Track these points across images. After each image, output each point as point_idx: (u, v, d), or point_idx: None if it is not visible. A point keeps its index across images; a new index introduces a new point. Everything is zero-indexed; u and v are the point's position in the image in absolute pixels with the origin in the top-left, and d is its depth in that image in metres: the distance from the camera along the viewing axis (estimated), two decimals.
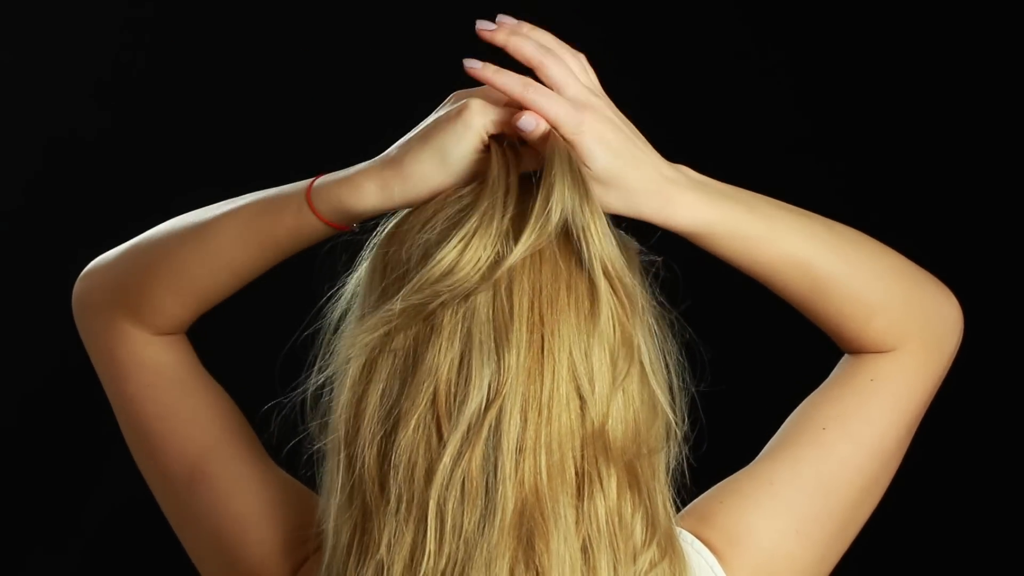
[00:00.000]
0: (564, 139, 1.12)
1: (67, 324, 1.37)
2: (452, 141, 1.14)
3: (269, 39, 2.53)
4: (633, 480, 1.12)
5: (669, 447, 1.14)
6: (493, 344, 1.10)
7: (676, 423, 1.15)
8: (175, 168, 2.50)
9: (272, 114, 2.51)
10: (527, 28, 1.15)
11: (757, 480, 1.22)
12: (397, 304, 1.10)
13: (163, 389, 1.28)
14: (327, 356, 1.17)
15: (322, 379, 1.16)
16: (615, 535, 1.11)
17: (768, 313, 1.55)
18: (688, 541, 1.20)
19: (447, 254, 1.10)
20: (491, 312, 1.10)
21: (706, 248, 1.20)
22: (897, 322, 1.25)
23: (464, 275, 1.09)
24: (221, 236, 1.23)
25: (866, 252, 1.25)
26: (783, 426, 1.26)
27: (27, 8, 2.49)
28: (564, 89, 1.14)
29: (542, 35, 1.15)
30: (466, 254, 1.10)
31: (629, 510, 1.11)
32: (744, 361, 1.33)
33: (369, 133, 1.28)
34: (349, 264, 1.20)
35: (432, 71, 2.38)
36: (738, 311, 1.97)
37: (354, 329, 1.14)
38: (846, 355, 1.28)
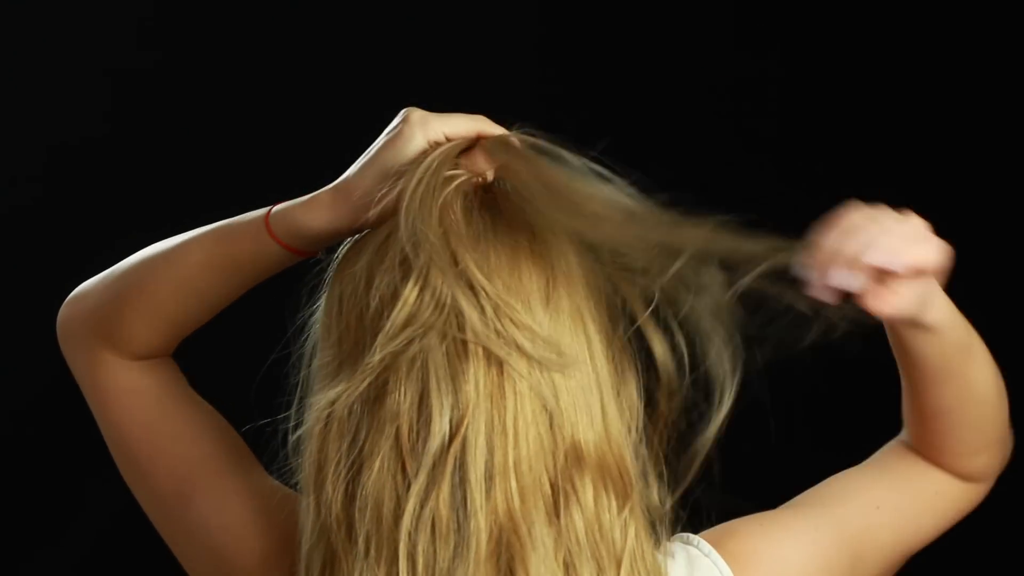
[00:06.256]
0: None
1: None
2: (392, 156, 1.13)
3: (270, 50, 2.52)
4: (610, 482, 1.11)
5: (648, 435, 1.14)
6: (450, 378, 1.08)
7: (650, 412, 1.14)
8: (181, 179, 2.49)
9: (278, 121, 2.50)
10: (833, 244, 1.08)
11: (802, 521, 1.23)
12: (375, 356, 1.09)
13: (145, 411, 1.27)
14: (303, 390, 1.17)
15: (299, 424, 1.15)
16: (596, 544, 1.10)
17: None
18: (706, 552, 1.20)
19: (407, 298, 1.09)
20: (445, 345, 1.09)
21: (915, 342, 1.20)
22: (992, 466, 1.31)
23: (429, 314, 1.08)
24: (185, 263, 1.23)
25: (1004, 398, 1.30)
26: (827, 482, 1.28)
27: (33, 15, 2.49)
28: (901, 257, 1.09)
29: (836, 236, 1.08)
30: (425, 293, 1.09)
31: (608, 515, 1.11)
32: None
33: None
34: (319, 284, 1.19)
35: (417, 83, 2.39)
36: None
37: (332, 384, 1.12)
38: (902, 442, 1.31)
